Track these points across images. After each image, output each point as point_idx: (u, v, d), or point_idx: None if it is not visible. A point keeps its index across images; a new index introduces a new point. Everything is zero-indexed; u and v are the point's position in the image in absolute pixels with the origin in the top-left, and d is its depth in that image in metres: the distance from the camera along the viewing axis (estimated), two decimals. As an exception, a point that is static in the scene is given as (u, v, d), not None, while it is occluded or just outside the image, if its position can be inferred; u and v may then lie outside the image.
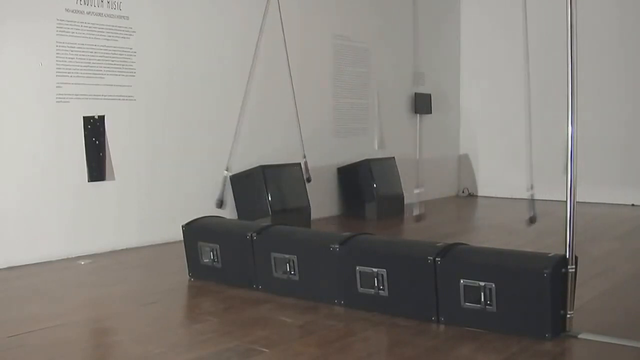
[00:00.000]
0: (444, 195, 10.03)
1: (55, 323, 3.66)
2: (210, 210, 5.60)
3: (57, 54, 5.32)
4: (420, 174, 9.43)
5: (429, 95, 9.59)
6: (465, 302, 3.53)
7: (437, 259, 3.62)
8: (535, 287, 3.36)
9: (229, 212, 6.56)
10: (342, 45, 8.12)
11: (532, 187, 3.96)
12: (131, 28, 5.84)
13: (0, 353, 3.17)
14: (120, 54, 5.77)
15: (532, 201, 3.93)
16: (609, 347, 3.28)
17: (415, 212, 7.24)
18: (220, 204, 4.77)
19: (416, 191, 7.28)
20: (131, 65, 5.85)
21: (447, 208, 9.24)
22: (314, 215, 7.10)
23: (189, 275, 4.68)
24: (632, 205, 8.85)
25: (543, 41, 9.13)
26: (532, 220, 3.93)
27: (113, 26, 5.71)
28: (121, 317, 3.90)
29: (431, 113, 9.62)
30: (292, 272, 4.16)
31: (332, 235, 4.28)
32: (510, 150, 9.62)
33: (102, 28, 5.62)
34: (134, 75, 5.87)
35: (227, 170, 4.98)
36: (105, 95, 5.67)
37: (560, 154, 3.73)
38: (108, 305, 4.13)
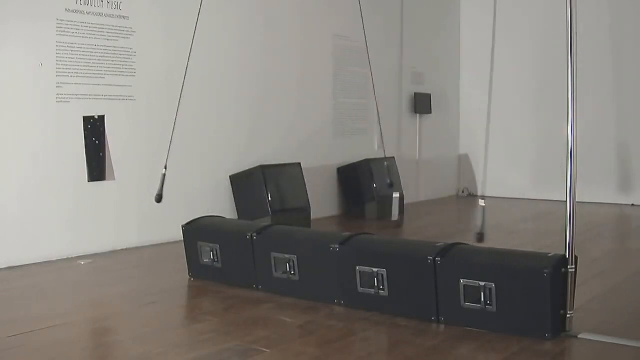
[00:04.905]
0: (444, 195, 10.03)
1: (55, 323, 3.66)
2: (210, 210, 5.62)
3: (57, 54, 5.31)
4: (419, 174, 9.46)
5: (429, 95, 9.60)
6: (465, 302, 3.53)
7: (437, 259, 3.62)
8: (535, 287, 3.36)
9: (229, 212, 6.56)
10: (342, 45, 8.12)
11: (483, 199, 3.56)
12: (131, 28, 5.84)
13: (1, 353, 3.17)
14: (120, 54, 5.77)
15: (483, 215, 3.67)
16: (609, 347, 3.28)
17: (395, 216, 7.24)
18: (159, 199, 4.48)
19: (395, 195, 7.29)
20: (131, 65, 5.86)
21: (447, 208, 9.24)
22: (314, 215, 7.11)
23: (189, 275, 4.68)
24: (632, 205, 8.85)
25: (543, 41, 9.15)
26: (480, 237, 3.70)
27: (113, 26, 5.71)
28: (121, 317, 3.90)
29: (431, 113, 9.62)
30: (292, 272, 4.16)
31: (332, 235, 4.28)
32: (510, 150, 9.63)
33: (102, 28, 5.63)
34: (134, 75, 5.87)
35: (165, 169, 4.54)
36: (105, 95, 5.67)
37: (560, 154, 3.73)
38: (108, 305, 4.13)
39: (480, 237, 3.66)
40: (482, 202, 3.59)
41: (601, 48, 8.86)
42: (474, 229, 3.62)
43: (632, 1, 8.92)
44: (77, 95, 5.47)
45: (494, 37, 9.83)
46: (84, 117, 5.53)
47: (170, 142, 4.47)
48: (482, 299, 3.46)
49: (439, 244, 3.79)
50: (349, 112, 8.32)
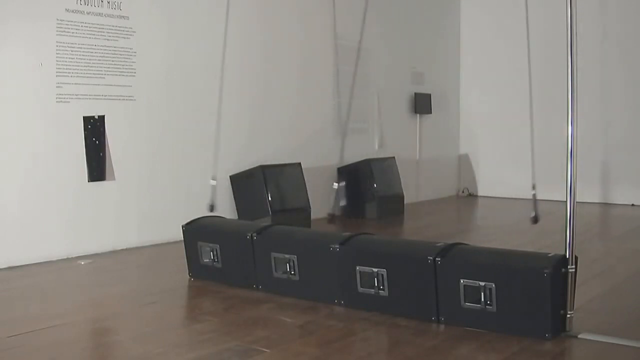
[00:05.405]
0: (444, 195, 10.03)
1: (55, 323, 3.66)
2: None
3: (57, 54, 5.32)
4: (419, 174, 9.46)
5: (429, 95, 9.60)
6: (465, 302, 3.53)
7: (437, 259, 3.62)
8: (535, 287, 3.36)
9: (229, 212, 6.56)
10: (342, 45, 8.12)
11: (534, 187, 3.96)
12: (131, 28, 5.84)
13: (0, 353, 3.17)
14: (121, 54, 5.77)
15: (534, 201, 3.97)
16: (609, 347, 3.28)
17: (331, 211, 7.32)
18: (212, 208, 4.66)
19: (335, 185, 7.38)
20: (131, 65, 5.86)
21: (447, 208, 9.24)
22: (314, 215, 7.10)
23: (189, 275, 4.68)
24: (632, 205, 8.85)
25: (543, 41, 9.14)
26: (535, 220, 3.95)
27: (113, 26, 5.71)
28: (121, 317, 3.90)
29: (431, 113, 9.62)
30: (292, 272, 4.16)
31: (332, 235, 4.27)
32: (510, 150, 9.62)
33: (102, 28, 5.63)
34: (134, 75, 5.87)
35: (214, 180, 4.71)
36: (105, 95, 5.67)
37: (560, 154, 3.73)
38: (108, 305, 4.13)
39: (535, 219, 3.91)
40: (532, 191, 3.81)
41: (601, 47, 8.85)
42: (530, 213, 3.91)
43: (632, 1, 8.92)
44: (77, 95, 5.47)
45: (494, 37, 9.87)
46: (84, 117, 5.53)
47: (216, 151, 4.53)
48: (482, 299, 3.46)
49: (439, 244, 3.79)
50: (349, 112, 8.30)
